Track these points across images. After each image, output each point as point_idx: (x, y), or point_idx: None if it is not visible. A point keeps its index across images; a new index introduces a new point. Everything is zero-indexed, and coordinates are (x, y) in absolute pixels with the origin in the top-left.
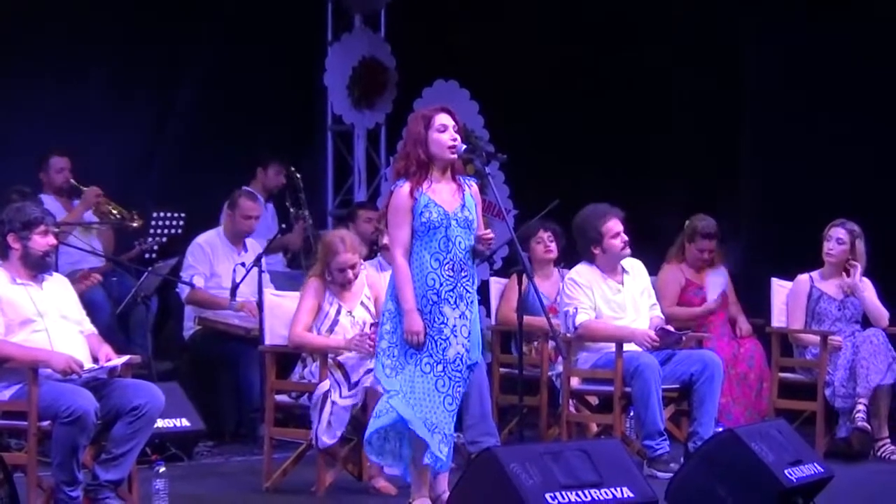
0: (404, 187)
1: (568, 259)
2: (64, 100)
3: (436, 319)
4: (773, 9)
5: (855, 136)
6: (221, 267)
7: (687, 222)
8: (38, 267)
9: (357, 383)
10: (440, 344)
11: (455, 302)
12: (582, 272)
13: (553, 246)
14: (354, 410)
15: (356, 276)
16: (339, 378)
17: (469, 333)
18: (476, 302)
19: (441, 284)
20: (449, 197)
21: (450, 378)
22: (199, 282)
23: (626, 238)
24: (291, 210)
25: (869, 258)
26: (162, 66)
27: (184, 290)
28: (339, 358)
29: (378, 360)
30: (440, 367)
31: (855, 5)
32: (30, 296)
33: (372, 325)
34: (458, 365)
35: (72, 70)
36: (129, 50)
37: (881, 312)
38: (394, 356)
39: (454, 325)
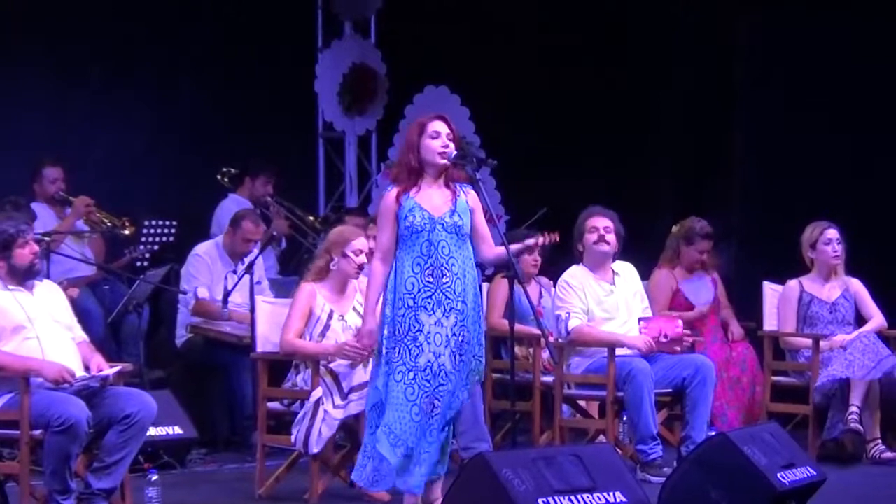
0: (392, 192)
1: (549, 269)
2: (55, 106)
3: (411, 327)
4: (767, 11)
5: (848, 139)
6: (217, 281)
7: (676, 228)
8: (26, 275)
9: (349, 392)
10: (413, 351)
11: (432, 308)
12: (574, 274)
13: (540, 260)
14: (347, 420)
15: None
16: (330, 385)
17: (444, 341)
18: (465, 309)
19: (419, 290)
20: (438, 202)
21: (419, 387)
22: (203, 292)
23: (603, 235)
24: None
25: (860, 260)
26: (153, 74)
27: (188, 302)
28: (332, 365)
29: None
30: (411, 375)
31: (854, 5)
32: (20, 302)
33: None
34: (428, 374)
35: (63, 77)
36: (121, 57)
37: (883, 323)
38: (387, 360)
39: (428, 332)
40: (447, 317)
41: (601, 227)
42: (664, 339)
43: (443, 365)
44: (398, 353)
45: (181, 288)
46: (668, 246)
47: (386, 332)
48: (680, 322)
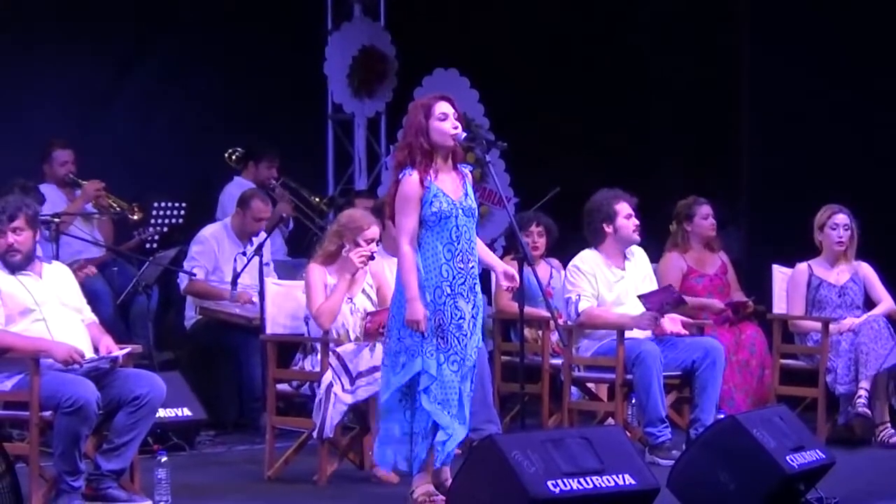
0: (413, 175)
1: (560, 249)
2: (64, 88)
3: (454, 315)
4: None
5: (856, 121)
6: (225, 262)
7: (673, 217)
8: (3, 263)
9: (357, 377)
10: (461, 340)
11: (468, 295)
12: (585, 259)
13: (541, 241)
14: (357, 403)
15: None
16: (338, 369)
17: (477, 326)
18: (478, 292)
19: (454, 277)
20: (453, 186)
21: (468, 372)
22: (199, 273)
23: (637, 223)
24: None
25: (870, 243)
26: (162, 56)
27: (183, 281)
28: (338, 349)
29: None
30: (463, 364)
31: None
32: (27, 286)
33: (368, 313)
34: (472, 358)
35: (72, 59)
36: (130, 40)
37: (892, 307)
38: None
39: (469, 320)
40: (477, 302)
41: (633, 213)
42: (668, 307)
43: (475, 349)
44: (447, 341)
45: (190, 269)
46: (675, 230)
47: (433, 321)
48: (672, 285)
